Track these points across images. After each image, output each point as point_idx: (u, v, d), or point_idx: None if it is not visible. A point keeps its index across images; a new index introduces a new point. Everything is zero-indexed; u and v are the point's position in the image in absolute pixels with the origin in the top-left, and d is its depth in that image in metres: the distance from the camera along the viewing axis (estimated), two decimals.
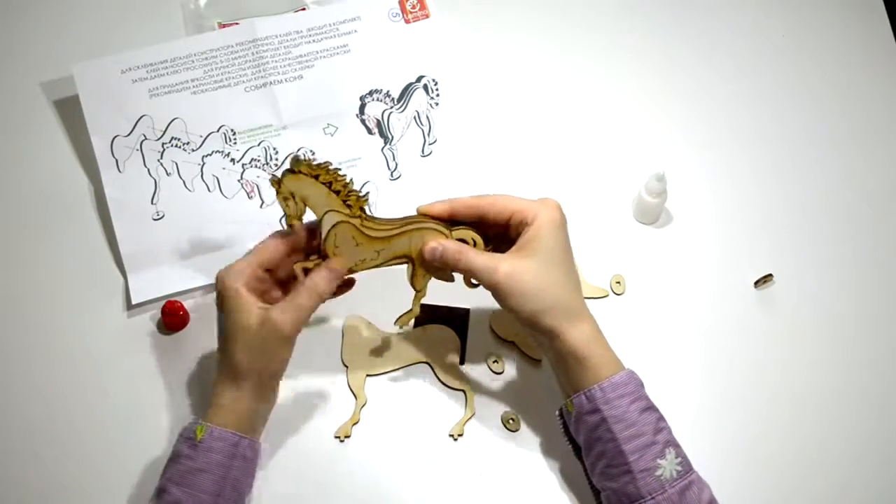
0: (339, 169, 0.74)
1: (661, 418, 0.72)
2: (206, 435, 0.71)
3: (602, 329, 0.75)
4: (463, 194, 0.89)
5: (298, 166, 0.72)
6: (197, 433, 0.71)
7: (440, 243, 0.75)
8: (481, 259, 0.74)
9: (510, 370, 0.83)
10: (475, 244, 0.76)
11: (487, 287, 0.74)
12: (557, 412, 0.76)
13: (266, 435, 0.77)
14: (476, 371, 0.83)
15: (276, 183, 0.73)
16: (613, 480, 0.71)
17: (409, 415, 0.82)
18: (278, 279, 0.77)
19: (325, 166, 0.73)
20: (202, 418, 0.73)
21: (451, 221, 0.77)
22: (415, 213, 0.77)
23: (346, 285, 0.78)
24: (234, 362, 0.73)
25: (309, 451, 0.80)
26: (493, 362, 0.83)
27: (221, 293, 0.74)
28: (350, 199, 0.74)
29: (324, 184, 0.73)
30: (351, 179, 0.74)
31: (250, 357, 0.72)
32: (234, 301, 0.73)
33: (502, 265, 0.73)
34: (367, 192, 0.77)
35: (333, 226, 0.74)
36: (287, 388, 0.80)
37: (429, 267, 0.76)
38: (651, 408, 0.72)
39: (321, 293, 0.73)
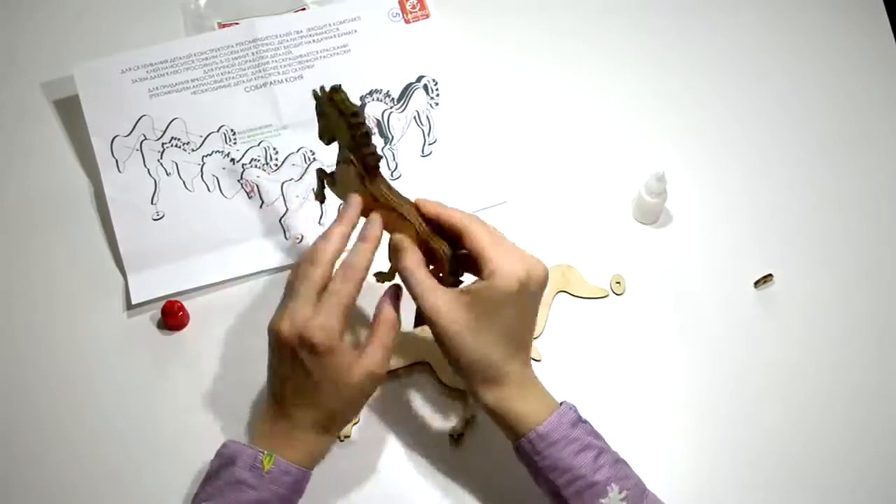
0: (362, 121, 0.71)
1: (600, 453, 0.69)
2: (274, 466, 0.69)
3: (601, 330, 0.74)
4: (463, 194, 0.89)
5: (340, 95, 0.70)
6: (265, 463, 0.69)
7: (402, 247, 0.72)
8: (423, 280, 0.70)
9: None
10: (442, 259, 0.73)
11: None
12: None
13: None
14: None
15: (320, 95, 0.72)
16: None
17: (409, 415, 0.82)
18: None
19: (357, 111, 0.71)
20: (270, 448, 0.70)
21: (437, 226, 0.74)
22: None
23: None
24: (326, 408, 0.70)
25: None
26: None
27: (319, 351, 0.68)
28: (365, 153, 0.72)
29: (350, 126, 0.71)
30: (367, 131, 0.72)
31: (344, 408, 0.72)
32: (335, 357, 0.69)
33: (437, 298, 0.69)
34: (380, 156, 0.74)
35: (345, 164, 0.74)
36: None
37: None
38: (587, 446, 0.69)
39: (393, 322, 0.72)
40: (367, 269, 0.71)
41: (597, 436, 0.71)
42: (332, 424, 0.72)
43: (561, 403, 0.72)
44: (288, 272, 0.73)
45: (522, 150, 0.93)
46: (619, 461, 0.70)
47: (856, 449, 0.82)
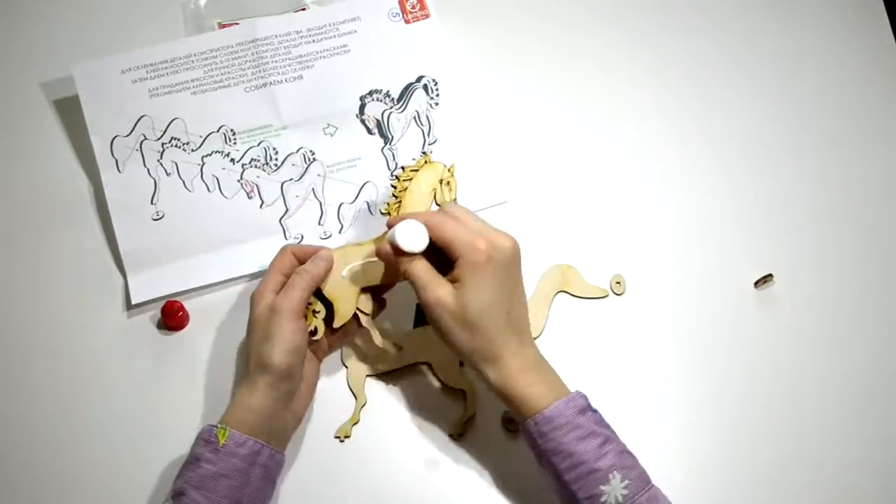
0: None
1: (605, 441, 0.70)
2: (229, 440, 0.71)
3: (601, 330, 0.74)
4: (463, 194, 0.89)
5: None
6: (219, 437, 0.71)
7: (388, 251, 0.74)
8: (423, 272, 0.73)
9: None
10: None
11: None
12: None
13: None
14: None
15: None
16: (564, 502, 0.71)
17: (409, 415, 0.82)
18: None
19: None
20: (220, 420, 0.73)
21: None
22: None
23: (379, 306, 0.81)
24: (248, 356, 0.75)
25: (309, 452, 0.80)
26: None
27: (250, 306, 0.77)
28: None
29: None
30: None
31: (258, 344, 0.74)
32: (257, 302, 0.76)
33: (437, 291, 0.72)
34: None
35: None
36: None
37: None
38: (592, 433, 0.70)
39: (310, 271, 0.77)
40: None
41: (605, 425, 0.72)
42: (254, 373, 0.74)
43: (573, 392, 0.73)
44: None
45: (522, 150, 0.93)
46: (624, 451, 0.71)
47: (856, 448, 0.82)
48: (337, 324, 0.78)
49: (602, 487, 0.68)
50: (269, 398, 0.73)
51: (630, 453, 0.71)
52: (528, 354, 0.74)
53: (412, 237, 0.73)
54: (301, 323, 0.75)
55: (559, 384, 0.74)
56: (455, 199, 0.84)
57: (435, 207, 0.83)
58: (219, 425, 0.72)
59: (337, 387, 0.82)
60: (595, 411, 0.72)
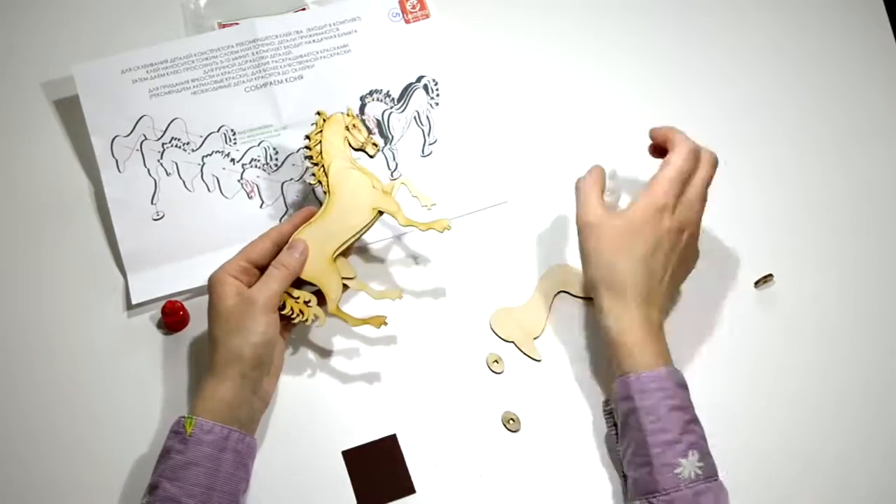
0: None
1: (692, 421, 0.73)
2: (196, 428, 0.72)
3: (597, 331, 0.74)
4: (463, 194, 0.89)
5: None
6: (186, 427, 0.72)
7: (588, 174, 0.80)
8: (593, 197, 0.79)
9: (510, 370, 0.83)
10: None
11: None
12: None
13: (262, 437, 0.77)
14: (476, 371, 0.83)
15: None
16: (635, 470, 0.73)
17: (410, 415, 0.82)
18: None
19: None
20: (189, 411, 0.73)
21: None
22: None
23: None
24: (215, 345, 0.75)
25: (311, 457, 0.80)
26: (494, 362, 0.83)
27: (209, 284, 0.78)
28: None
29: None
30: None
31: (228, 335, 0.74)
32: (217, 288, 0.76)
33: (596, 213, 0.77)
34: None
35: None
36: (285, 393, 0.80)
37: None
38: (684, 408, 0.73)
39: (288, 266, 0.77)
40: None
41: (692, 405, 0.74)
42: (222, 363, 0.74)
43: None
44: None
45: (522, 150, 0.93)
46: (704, 437, 0.73)
47: (856, 448, 0.82)
48: (331, 307, 0.79)
49: (681, 459, 0.70)
50: (240, 387, 0.74)
51: (706, 441, 0.73)
52: (653, 313, 0.76)
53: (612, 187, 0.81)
54: (274, 315, 0.76)
55: (668, 354, 0.76)
56: (368, 136, 0.83)
57: (355, 154, 0.83)
58: (187, 416, 0.73)
59: (338, 391, 0.82)
60: (687, 390, 0.75)
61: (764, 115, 0.96)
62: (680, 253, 0.78)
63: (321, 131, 0.83)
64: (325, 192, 0.81)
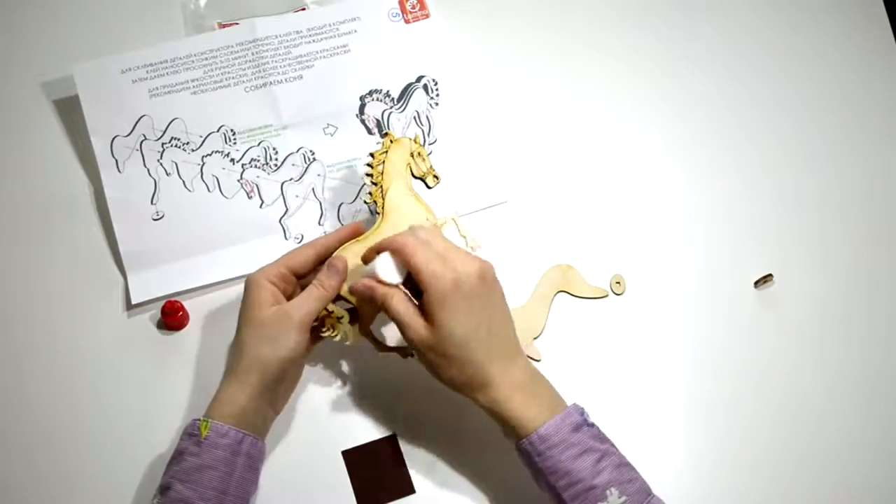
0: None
1: (602, 457, 0.69)
2: (212, 432, 0.71)
3: (601, 330, 0.74)
4: (463, 194, 0.89)
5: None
6: (202, 429, 0.72)
7: (367, 286, 0.73)
8: (402, 309, 0.72)
9: None
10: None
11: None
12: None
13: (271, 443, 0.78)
14: None
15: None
16: None
17: (410, 416, 0.82)
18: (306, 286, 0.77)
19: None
20: (204, 414, 0.73)
21: None
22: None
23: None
24: (242, 350, 0.74)
25: (311, 457, 0.80)
26: None
27: (245, 285, 0.77)
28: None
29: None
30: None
31: (258, 343, 0.73)
32: (253, 291, 0.76)
33: (417, 331, 0.71)
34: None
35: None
36: (289, 403, 0.80)
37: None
38: (588, 450, 0.69)
39: (327, 288, 0.75)
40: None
41: (602, 439, 0.71)
42: (246, 369, 0.73)
43: (569, 405, 0.72)
44: None
45: (522, 150, 0.93)
46: (623, 465, 0.70)
47: (856, 448, 0.82)
48: (363, 329, 0.78)
49: None
50: (258, 396, 0.74)
51: (629, 466, 0.71)
52: (516, 374, 0.72)
53: (392, 268, 0.73)
54: (307, 335, 0.75)
55: (554, 399, 0.73)
56: (430, 167, 0.84)
57: (414, 182, 0.83)
58: (202, 418, 0.72)
59: (338, 394, 0.82)
60: (591, 425, 0.72)
61: (763, 113, 0.96)
62: (489, 300, 0.72)
63: (386, 151, 0.82)
64: (377, 213, 0.80)
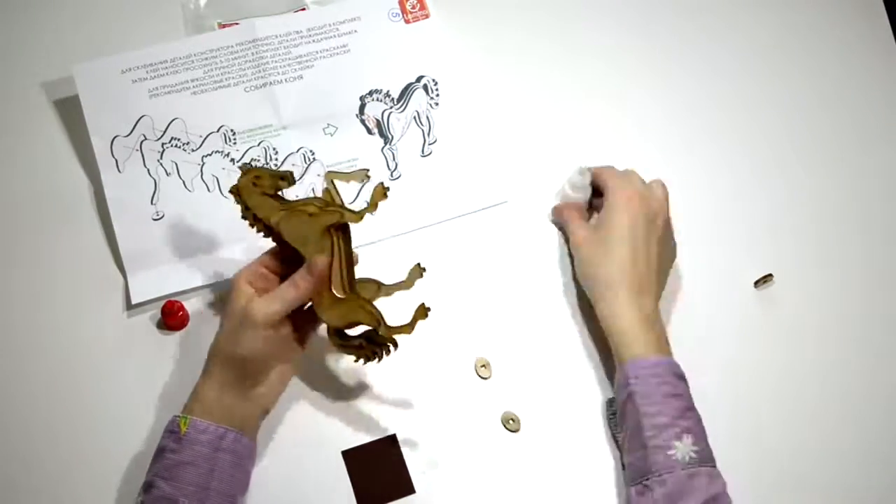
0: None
1: (688, 409, 0.74)
2: (190, 428, 0.72)
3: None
4: (463, 194, 0.89)
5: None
6: (181, 426, 0.72)
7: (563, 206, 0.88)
8: (575, 221, 0.85)
9: (510, 370, 0.83)
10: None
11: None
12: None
13: (262, 437, 0.77)
14: (467, 375, 0.83)
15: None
16: (631, 454, 0.74)
17: (410, 416, 0.82)
18: None
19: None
20: (183, 410, 0.74)
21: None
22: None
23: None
24: (211, 346, 0.75)
25: (312, 464, 0.80)
26: (481, 367, 0.83)
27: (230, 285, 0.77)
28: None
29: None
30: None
31: (225, 340, 0.75)
32: (231, 290, 0.76)
33: (582, 233, 0.83)
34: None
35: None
36: (285, 393, 0.80)
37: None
38: (680, 396, 0.75)
39: (297, 287, 0.74)
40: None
41: (690, 398, 0.76)
42: (213, 363, 0.74)
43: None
44: None
45: (522, 150, 0.93)
46: (701, 426, 0.75)
47: (855, 448, 0.82)
48: (384, 332, 0.75)
49: (675, 442, 0.72)
50: (230, 391, 0.74)
51: (705, 432, 0.74)
52: (648, 304, 0.79)
53: (578, 185, 0.86)
54: (275, 332, 0.74)
55: (665, 344, 0.78)
56: (269, 174, 0.77)
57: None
58: (181, 415, 0.73)
59: (339, 395, 0.82)
60: (686, 383, 0.76)
61: (763, 114, 0.96)
62: (659, 240, 0.81)
63: (245, 207, 0.77)
64: (296, 250, 0.76)
